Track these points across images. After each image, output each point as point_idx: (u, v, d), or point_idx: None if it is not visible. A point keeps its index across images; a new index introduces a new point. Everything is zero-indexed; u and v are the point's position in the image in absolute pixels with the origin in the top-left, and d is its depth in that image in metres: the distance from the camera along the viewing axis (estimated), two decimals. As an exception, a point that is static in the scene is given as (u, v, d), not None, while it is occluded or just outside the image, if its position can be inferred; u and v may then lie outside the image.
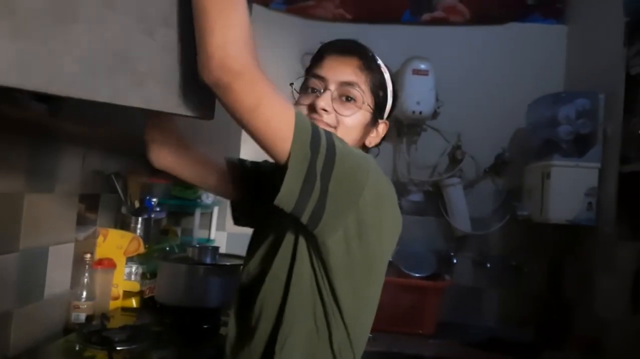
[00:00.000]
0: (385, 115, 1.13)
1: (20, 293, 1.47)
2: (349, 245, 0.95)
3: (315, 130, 0.88)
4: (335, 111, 1.03)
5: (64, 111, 1.30)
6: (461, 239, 2.53)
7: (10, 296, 1.43)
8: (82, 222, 1.76)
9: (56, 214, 1.63)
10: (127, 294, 1.94)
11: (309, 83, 1.07)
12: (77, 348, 1.51)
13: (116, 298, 1.92)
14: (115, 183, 1.94)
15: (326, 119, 1.02)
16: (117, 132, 1.51)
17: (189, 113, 0.85)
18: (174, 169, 1.18)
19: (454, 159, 2.51)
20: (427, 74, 2.38)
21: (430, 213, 2.56)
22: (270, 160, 0.89)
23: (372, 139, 1.12)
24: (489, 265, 2.49)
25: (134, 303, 1.96)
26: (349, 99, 1.04)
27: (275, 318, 0.99)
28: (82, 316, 1.69)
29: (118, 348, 1.47)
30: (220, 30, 0.76)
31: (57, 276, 1.65)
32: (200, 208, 2.45)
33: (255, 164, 1.25)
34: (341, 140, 0.94)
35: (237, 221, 1.27)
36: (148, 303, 1.96)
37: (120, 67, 0.77)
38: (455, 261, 2.50)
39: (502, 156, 2.49)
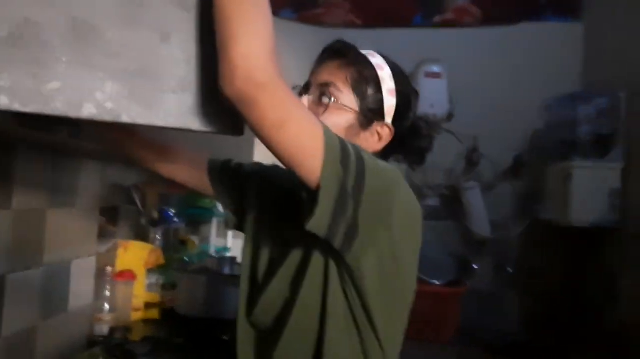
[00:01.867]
0: (390, 118, 1.00)
1: (44, 307, 1.48)
2: (383, 266, 0.88)
3: (343, 145, 0.81)
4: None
5: (85, 132, 1.31)
6: (480, 244, 2.50)
7: (36, 310, 1.44)
8: (103, 235, 1.78)
9: (78, 229, 1.65)
10: (148, 306, 1.95)
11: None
12: (101, 362, 1.52)
13: (137, 310, 1.93)
14: (134, 195, 1.95)
15: None
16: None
17: (217, 130, 0.79)
18: (152, 167, 1.17)
19: (471, 161, 2.49)
20: (440, 77, 2.37)
21: (447, 217, 2.54)
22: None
23: (371, 144, 0.99)
24: (509, 269, 2.47)
25: (154, 314, 1.97)
26: (323, 99, 0.97)
27: (313, 354, 0.91)
28: (105, 328, 1.71)
29: (141, 362, 1.48)
30: (246, 40, 0.70)
31: (80, 289, 1.66)
32: (217, 217, 2.45)
33: (238, 165, 1.19)
34: (367, 152, 0.87)
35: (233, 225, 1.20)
36: (169, 314, 1.97)
37: (144, 87, 0.74)
38: (475, 266, 2.48)
39: (520, 157, 2.47)
